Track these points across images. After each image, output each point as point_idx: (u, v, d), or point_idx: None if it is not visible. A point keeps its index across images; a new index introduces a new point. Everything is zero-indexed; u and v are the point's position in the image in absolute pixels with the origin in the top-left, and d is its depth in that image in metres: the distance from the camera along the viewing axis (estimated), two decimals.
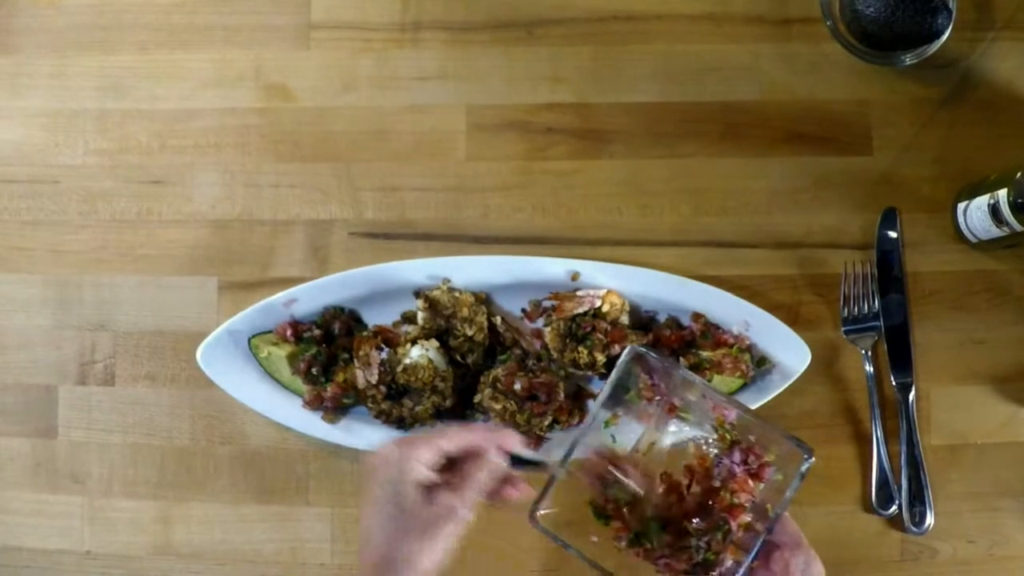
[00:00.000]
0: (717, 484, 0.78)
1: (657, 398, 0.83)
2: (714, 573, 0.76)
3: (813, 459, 0.74)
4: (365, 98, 0.98)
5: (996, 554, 0.92)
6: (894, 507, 0.91)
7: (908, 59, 0.93)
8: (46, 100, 1.00)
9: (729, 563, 0.76)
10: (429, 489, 0.71)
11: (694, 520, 0.77)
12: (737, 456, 0.78)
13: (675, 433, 0.82)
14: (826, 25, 0.94)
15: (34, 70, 1.01)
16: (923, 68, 0.94)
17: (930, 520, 0.91)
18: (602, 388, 0.78)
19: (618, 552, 0.78)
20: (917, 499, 0.91)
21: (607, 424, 0.81)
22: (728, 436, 0.79)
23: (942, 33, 0.91)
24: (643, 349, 0.78)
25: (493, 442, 0.73)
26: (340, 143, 0.98)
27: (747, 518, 0.77)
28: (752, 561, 0.74)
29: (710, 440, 0.80)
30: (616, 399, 0.79)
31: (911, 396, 0.92)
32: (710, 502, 0.78)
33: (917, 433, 0.92)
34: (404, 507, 0.70)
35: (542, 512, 0.76)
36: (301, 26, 0.99)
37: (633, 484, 0.80)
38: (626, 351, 0.77)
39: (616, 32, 0.97)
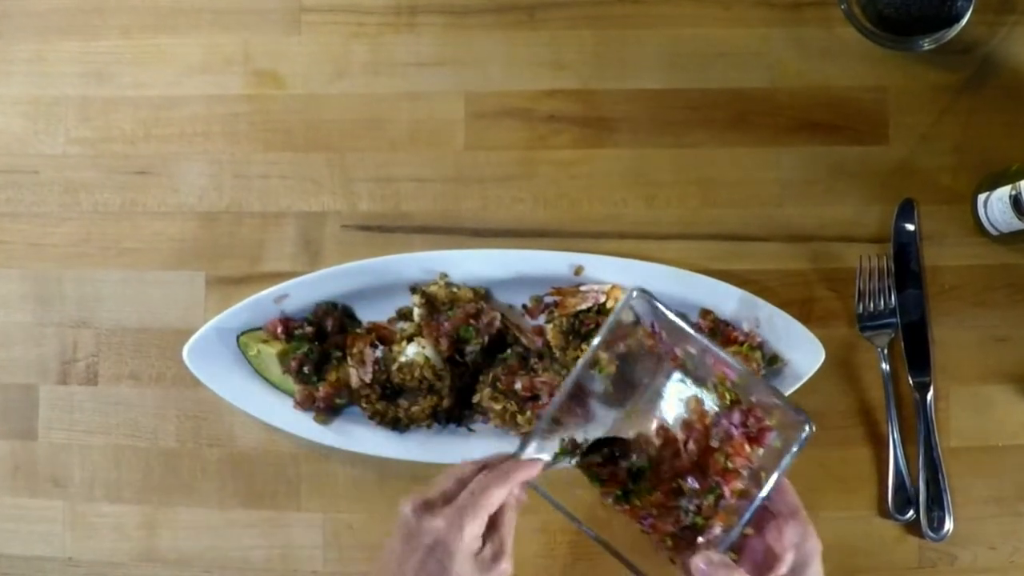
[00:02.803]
0: (715, 444, 0.76)
1: (659, 346, 0.81)
2: (701, 539, 0.74)
3: (813, 428, 0.73)
4: (359, 85, 0.97)
5: (1018, 561, 0.90)
6: (911, 512, 0.90)
7: (926, 44, 0.91)
8: (25, 87, 0.99)
9: (718, 531, 0.75)
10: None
11: (687, 479, 0.76)
12: (736, 417, 0.77)
13: (676, 386, 0.81)
14: (840, 8, 0.92)
15: (13, 55, 0.99)
16: (942, 53, 0.93)
17: (949, 525, 0.90)
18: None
19: (604, 511, 0.78)
20: (935, 503, 0.90)
21: (602, 369, 0.80)
22: (728, 396, 0.78)
23: (962, 17, 0.89)
24: (648, 292, 0.76)
25: (522, 479, 0.73)
26: (333, 132, 0.97)
27: (741, 484, 0.76)
28: (744, 526, 0.72)
29: (711, 399, 0.79)
30: (614, 343, 0.78)
31: (929, 396, 0.91)
32: (705, 464, 0.77)
33: (935, 434, 0.90)
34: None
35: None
36: (292, 9, 0.97)
37: (625, 436, 0.80)
38: (629, 291, 0.76)
39: (621, 16, 0.96)
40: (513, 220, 0.95)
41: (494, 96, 0.96)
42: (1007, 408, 0.91)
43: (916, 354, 0.91)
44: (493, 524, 0.72)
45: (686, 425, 0.79)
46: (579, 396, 0.82)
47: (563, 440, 0.80)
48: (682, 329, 0.77)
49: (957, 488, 0.90)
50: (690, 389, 0.81)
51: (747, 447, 0.76)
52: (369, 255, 0.93)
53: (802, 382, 0.89)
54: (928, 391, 0.91)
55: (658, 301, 0.76)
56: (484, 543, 0.71)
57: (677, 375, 0.82)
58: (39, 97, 0.98)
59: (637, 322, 0.80)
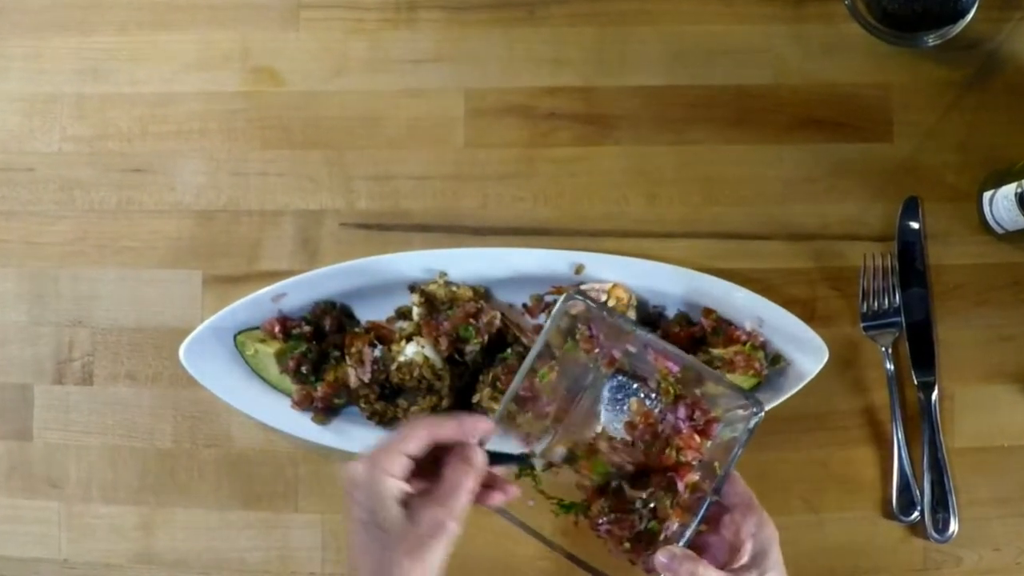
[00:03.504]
0: (662, 439, 0.76)
1: (596, 350, 0.80)
2: (660, 538, 0.74)
3: (762, 412, 0.72)
4: (357, 82, 0.96)
5: None
6: (916, 513, 0.89)
7: (931, 40, 0.91)
8: (20, 83, 0.98)
9: (675, 527, 0.74)
10: (410, 503, 0.69)
11: (633, 486, 0.76)
12: (682, 412, 0.77)
13: (615, 388, 0.81)
14: (844, 4, 0.92)
15: (8, 52, 0.98)
16: (947, 49, 0.92)
17: (954, 527, 0.89)
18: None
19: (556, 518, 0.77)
20: (940, 505, 0.89)
21: (543, 377, 0.79)
22: (672, 390, 0.77)
23: (967, 12, 0.89)
24: (580, 295, 0.75)
25: (466, 434, 0.71)
26: (331, 129, 0.96)
27: (695, 476, 0.75)
28: (699, 524, 0.72)
29: (652, 396, 0.78)
30: (551, 349, 0.77)
31: (934, 396, 0.90)
32: (655, 464, 0.76)
33: (940, 435, 0.90)
34: (387, 528, 0.68)
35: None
36: (290, 5, 0.97)
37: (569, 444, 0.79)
38: (563, 297, 0.75)
39: (622, 12, 0.96)
40: (513, 218, 0.94)
41: (494, 93, 0.95)
42: (1012, 408, 0.91)
43: (920, 353, 0.91)
44: (443, 480, 0.70)
45: (629, 427, 0.79)
46: (528, 400, 0.81)
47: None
48: (620, 326, 0.77)
49: (962, 489, 0.89)
50: (630, 391, 0.81)
51: (696, 438, 0.76)
52: (368, 253, 0.92)
53: (805, 382, 0.89)
54: (933, 391, 0.90)
55: (592, 301, 0.76)
56: (424, 494, 0.70)
57: (616, 379, 0.82)
58: (34, 94, 0.98)
59: (574, 326, 0.79)
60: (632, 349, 0.80)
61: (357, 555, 0.69)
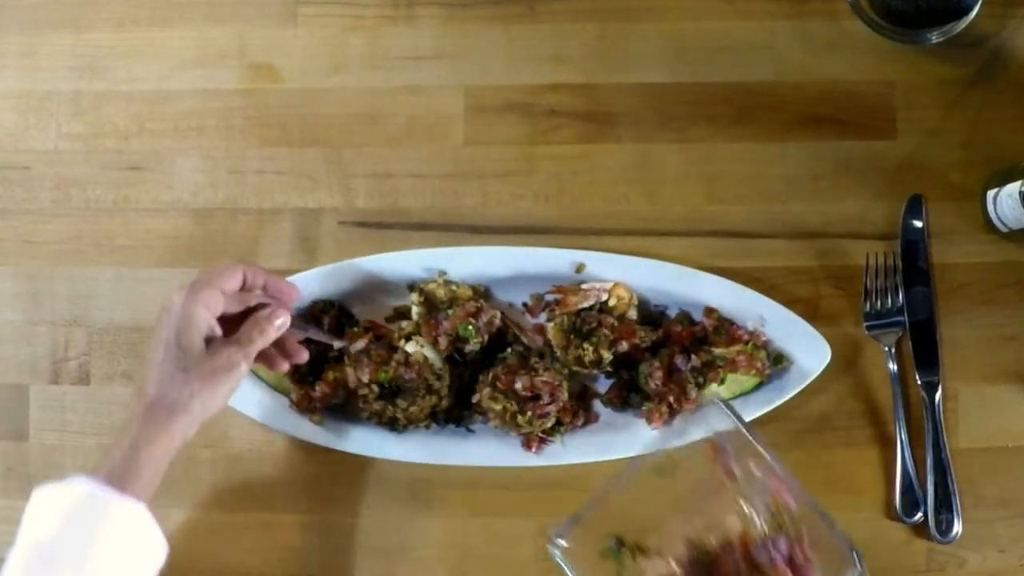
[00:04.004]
0: (751, 566, 0.76)
1: (720, 460, 0.81)
2: None
3: (863, 570, 0.73)
4: (356, 79, 0.96)
5: None
6: (919, 514, 0.89)
7: (934, 37, 0.90)
8: (16, 81, 0.98)
9: None
10: (212, 341, 0.77)
11: None
12: (783, 546, 0.76)
13: (723, 501, 0.81)
14: (847, 1, 0.92)
15: (3, 49, 0.98)
16: (951, 46, 0.92)
17: (958, 528, 0.89)
18: (676, 432, 0.80)
19: None
20: (944, 506, 0.89)
21: (661, 471, 0.81)
22: (780, 522, 0.77)
23: (971, 9, 0.89)
24: (727, 405, 0.79)
25: (277, 291, 0.83)
26: (329, 127, 0.96)
27: None
28: None
29: (757, 518, 0.78)
30: (673, 447, 0.79)
31: (938, 396, 0.90)
32: None
33: (944, 435, 0.89)
34: (187, 354, 0.76)
35: (562, 542, 0.76)
36: (288, 2, 0.96)
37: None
38: (710, 401, 0.80)
39: (623, 8, 0.95)
40: (513, 216, 0.94)
41: (494, 90, 0.95)
42: (1017, 408, 0.90)
43: (924, 353, 0.90)
44: (246, 327, 0.79)
45: (725, 545, 0.77)
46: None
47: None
48: (754, 447, 0.77)
49: (966, 490, 0.89)
50: (739, 507, 0.80)
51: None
52: (366, 252, 0.92)
53: (808, 382, 0.88)
54: (936, 391, 0.90)
55: (736, 414, 0.78)
56: (228, 333, 0.79)
57: (724, 491, 0.81)
58: (30, 91, 0.97)
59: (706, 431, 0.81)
60: (756, 472, 0.79)
61: (150, 368, 0.76)
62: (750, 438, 0.77)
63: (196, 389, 0.75)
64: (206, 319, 0.77)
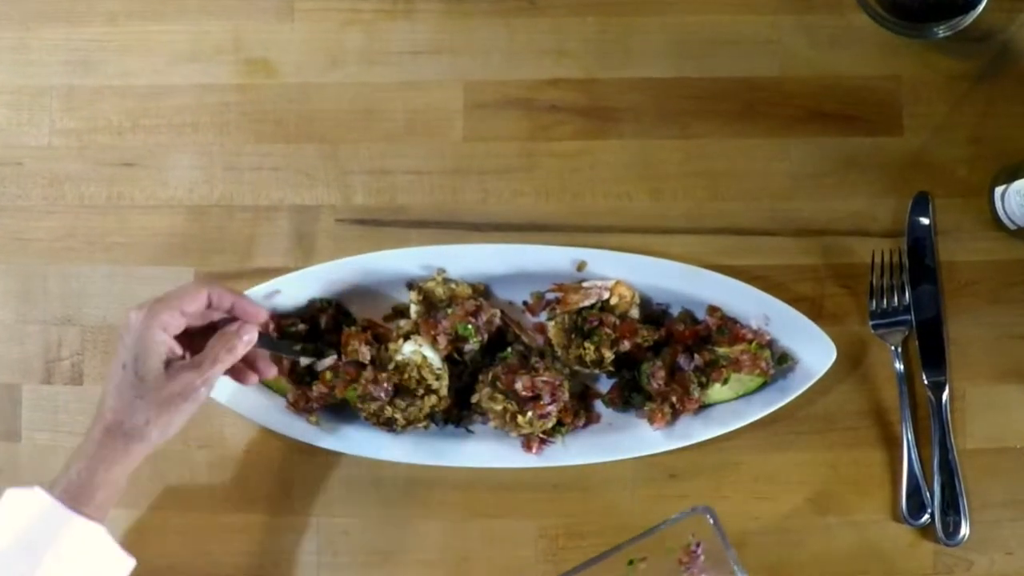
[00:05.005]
0: None
1: (690, 569, 0.84)
2: None
3: None
4: (354, 74, 0.96)
5: None
6: (926, 516, 0.89)
7: (941, 31, 0.90)
8: (8, 76, 0.97)
9: None
10: (172, 363, 0.76)
11: None
12: None
13: None
14: None
15: None
16: (958, 41, 0.91)
17: (965, 530, 0.88)
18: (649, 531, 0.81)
19: None
20: (951, 508, 0.88)
21: (631, 562, 0.82)
22: None
23: (979, 3, 0.88)
24: (710, 513, 0.79)
25: (242, 311, 0.81)
26: (327, 122, 0.96)
27: None
28: None
29: None
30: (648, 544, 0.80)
31: (944, 396, 0.90)
32: None
33: (951, 436, 0.89)
34: (144, 377, 0.75)
35: None
36: None
37: None
38: (696, 507, 0.80)
39: (625, 2, 0.95)
40: (513, 214, 0.94)
41: (494, 85, 0.95)
42: None
43: (931, 353, 0.90)
44: (206, 348, 0.78)
45: None
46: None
47: None
48: (731, 561, 0.79)
49: (973, 491, 0.89)
50: None
51: None
52: (364, 250, 0.92)
53: (813, 382, 0.88)
54: (943, 391, 0.89)
55: (718, 524, 0.79)
56: (187, 355, 0.78)
57: None
58: (22, 87, 0.97)
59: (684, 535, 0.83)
60: None
61: (109, 392, 0.76)
62: (728, 551, 0.79)
63: (152, 416, 0.75)
64: (164, 342, 0.76)
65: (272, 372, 0.85)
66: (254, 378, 0.84)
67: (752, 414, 0.87)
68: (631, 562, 0.82)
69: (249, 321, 0.81)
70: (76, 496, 0.74)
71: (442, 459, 0.89)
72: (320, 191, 0.95)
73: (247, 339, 0.79)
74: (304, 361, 0.89)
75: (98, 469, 0.75)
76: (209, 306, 0.80)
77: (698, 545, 0.83)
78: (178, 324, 0.77)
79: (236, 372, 0.83)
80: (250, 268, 0.94)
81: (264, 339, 0.83)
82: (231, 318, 0.81)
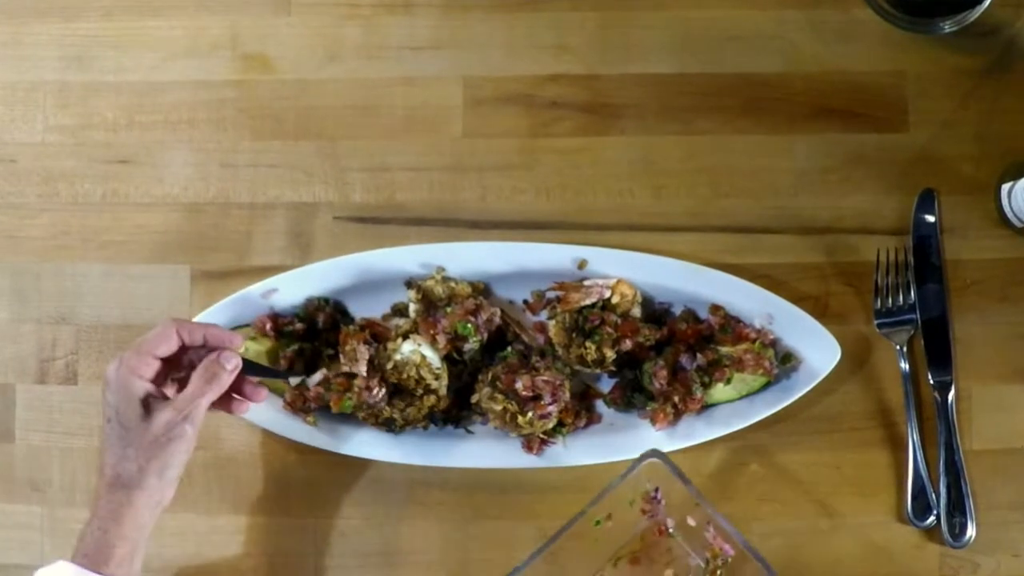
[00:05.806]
0: None
1: (654, 515, 0.86)
2: None
3: None
4: (352, 69, 0.96)
5: None
6: (932, 518, 0.88)
7: (947, 26, 0.90)
8: (1, 71, 0.98)
9: None
10: (153, 405, 0.77)
11: None
12: None
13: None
14: None
15: None
16: (964, 36, 0.91)
17: (971, 532, 0.88)
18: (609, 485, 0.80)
19: None
20: (957, 509, 0.88)
21: (598, 522, 0.83)
22: (715, 569, 0.81)
23: None
24: (661, 457, 0.79)
25: (218, 340, 0.80)
26: (324, 119, 0.96)
27: None
28: None
29: (692, 563, 0.84)
30: (608, 502, 0.80)
31: (950, 396, 0.89)
32: None
33: (957, 436, 0.89)
34: (128, 426, 0.76)
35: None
36: None
37: None
38: (644, 454, 0.79)
39: None
40: (513, 211, 0.94)
41: (493, 81, 0.95)
42: None
43: (937, 352, 0.90)
44: (195, 373, 0.78)
45: None
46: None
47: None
48: (694, 496, 0.79)
49: (979, 493, 0.89)
50: (674, 559, 0.86)
51: None
52: (362, 248, 0.92)
53: (817, 381, 0.88)
54: (949, 391, 0.89)
55: (672, 464, 0.79)
56: (167, 398, 0.78)
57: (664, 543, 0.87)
58: (16, 82, 0.98)
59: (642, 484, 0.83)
60: (692, 523, 0.83)
61: (104, 449, 0.77)
62: (688, 487, 0.79)
63: (143, 463, 0.76)
64: (141, 387, 0.77)
65: (262, 396, 0.84)
66: (245, 406, 0.84)
67: (755, 414, 0.87)
68: (597, 522, 0.82)
69: (225, 347, 0.81)
70: (95, 558, 0.76)
71: (441, 460, 0.89)
72: (318, 188, 0.95)
73: (231, 366, 0.79)
74: (294, 381, 0.89)
75: (109, 527, 0.76)
76: (183, 344, 0.80)
77: (656, 490, 0.83)
78: (151, 368, 0.78)
79: (225, 403, 0.82)
80: (247, 266, 0.94)
81: (248, 365, 0.82)
82: (210, 349, 0.81)
